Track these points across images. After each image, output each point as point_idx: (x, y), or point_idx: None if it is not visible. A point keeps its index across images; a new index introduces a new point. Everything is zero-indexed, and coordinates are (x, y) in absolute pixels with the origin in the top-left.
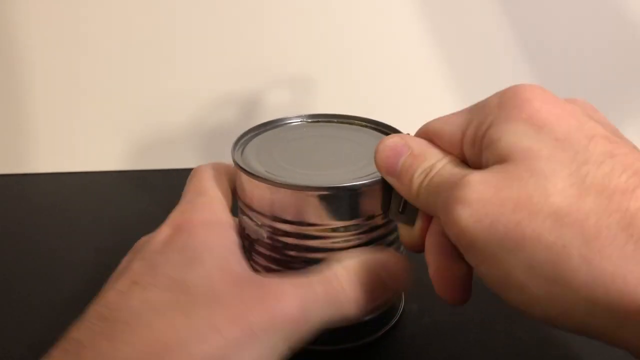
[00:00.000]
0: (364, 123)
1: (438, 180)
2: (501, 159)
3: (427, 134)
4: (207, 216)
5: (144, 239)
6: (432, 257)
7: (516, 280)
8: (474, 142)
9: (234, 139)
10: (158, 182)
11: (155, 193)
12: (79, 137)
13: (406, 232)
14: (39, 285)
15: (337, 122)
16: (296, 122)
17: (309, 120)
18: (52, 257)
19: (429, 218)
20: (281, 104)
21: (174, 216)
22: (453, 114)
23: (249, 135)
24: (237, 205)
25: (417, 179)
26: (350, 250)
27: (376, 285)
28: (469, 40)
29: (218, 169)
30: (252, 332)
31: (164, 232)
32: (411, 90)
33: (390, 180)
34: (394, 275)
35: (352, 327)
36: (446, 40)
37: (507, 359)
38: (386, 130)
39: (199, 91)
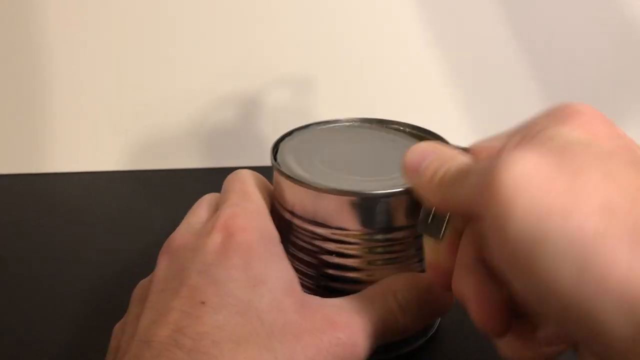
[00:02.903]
0: (415, 131)
1: (468, 168)
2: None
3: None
4: (257, 225)
5: (178, 240)
6: (466, 281)
7: (551, 256)
8: None
9: (273, 140)
10: (158, 182)
11: (155, 193)
12: (79, 138)
13: (432, 250)
14: (39, 284)
15: (388, 127)
16: (343, 124)
17: (357, 124)
18: (51, 256)
19: (458, 233)
20: (281, 104)
21: (223, 219)
22: (496, 134)
23: (288, 138)
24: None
25: (441, 170)
26: (398, 275)
27: (424, 312)
28: (471, 41)
29: (258, 176)
30: None
31: (215, 238)
32: (413, 91)
33: (411, 178)
34: (438, 299)
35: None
36: (448, 41)
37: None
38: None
39: (199, 91)
